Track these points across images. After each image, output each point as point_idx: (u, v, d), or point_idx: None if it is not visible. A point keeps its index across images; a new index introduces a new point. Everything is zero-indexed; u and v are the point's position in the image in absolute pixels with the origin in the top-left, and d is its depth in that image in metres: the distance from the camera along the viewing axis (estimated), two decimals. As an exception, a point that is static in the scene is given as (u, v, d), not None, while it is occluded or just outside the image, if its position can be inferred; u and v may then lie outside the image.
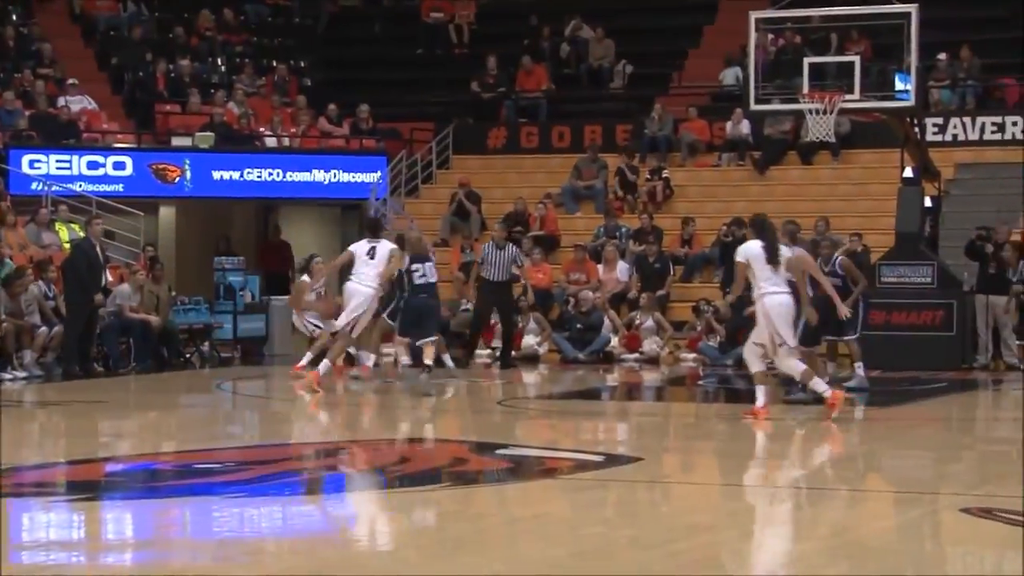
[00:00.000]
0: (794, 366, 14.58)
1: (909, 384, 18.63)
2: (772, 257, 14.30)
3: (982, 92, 26.36)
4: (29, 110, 25.01)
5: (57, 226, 21.53)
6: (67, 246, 21.11)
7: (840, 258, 17.45)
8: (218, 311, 22.16)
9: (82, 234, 20.39)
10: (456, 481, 12.04)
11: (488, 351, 22.19)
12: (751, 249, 14.46)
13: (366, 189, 25.49)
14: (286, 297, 23.79)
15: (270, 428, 16.07)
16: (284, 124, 26.51)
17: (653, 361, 21.49)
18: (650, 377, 20.26)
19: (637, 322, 22.16)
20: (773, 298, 14.39)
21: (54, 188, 23.17)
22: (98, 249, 19.28)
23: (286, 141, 26.24)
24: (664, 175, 25.75)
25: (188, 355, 21.31)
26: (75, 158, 24.32)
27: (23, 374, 18.63)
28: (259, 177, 25.24)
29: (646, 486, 11.93)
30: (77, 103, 25.59)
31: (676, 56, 29.11)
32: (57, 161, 24.18)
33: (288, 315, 23.16)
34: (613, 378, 20.59)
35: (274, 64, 28.44)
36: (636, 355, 21.80)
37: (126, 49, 27.61)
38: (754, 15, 20.75)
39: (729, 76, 27.37)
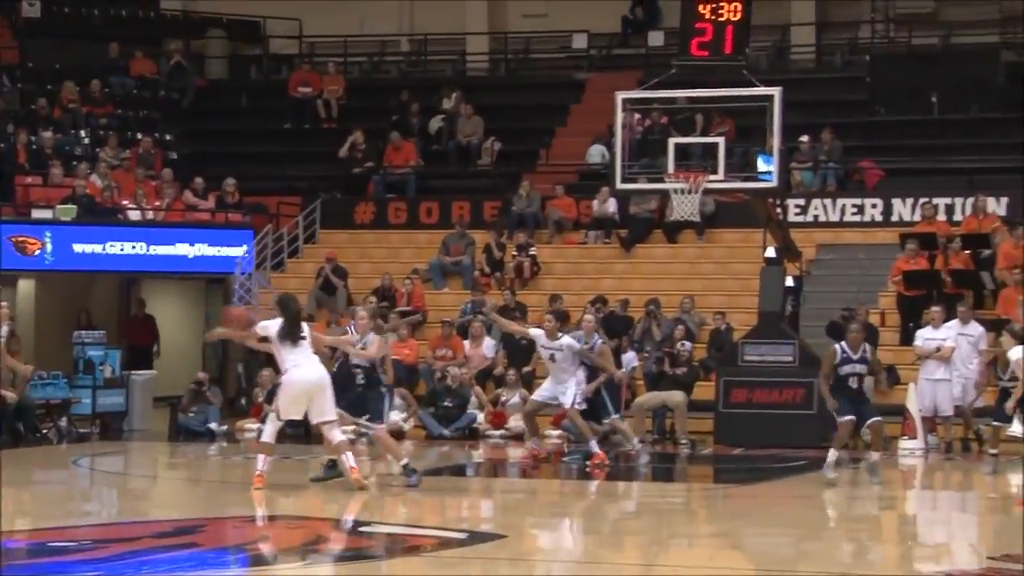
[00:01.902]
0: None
1: (769, 462, 18.86)
2: (291, 334, 15.06)
3: (843, 174, 26.92)
4: None
5: None
6: None
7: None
8: (77, 385, 21.81)
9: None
10: (318, 559, 11.97)
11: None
12: (270, 327, 15.26)
13: (231, 263, 25.41)
14: (148, 372, 23.68)
15: (128, 505, 15.86)
16: (148, 197, 26.32)
17: (518, 437, 21.50)
18: (515, 454, 20.27)
19: (503, 399, 22.20)
20: (297, 372, 15.13)
21: None
22: None
23: (150, 214, 26.07)
24: (531, 252, 25.93)
25: (45, 430, 20.99)
26: None
27: None
28: (122, 250, 25.02)
29: (508, 563, 11.96)
30: None
31: (544, 134, 29.38)
32: None
33: (150, 391, 23.04)
34: (479, 454, 20.61)
35: (139, 137, 28.29)
36: (502, 431, 21.81)
37: (-14, 120, 27.40)
38: (620, 95, 21.04)
39: (595, 154, 27.70)
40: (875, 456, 16.31)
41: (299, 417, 15.71)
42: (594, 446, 18.24)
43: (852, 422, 16.10)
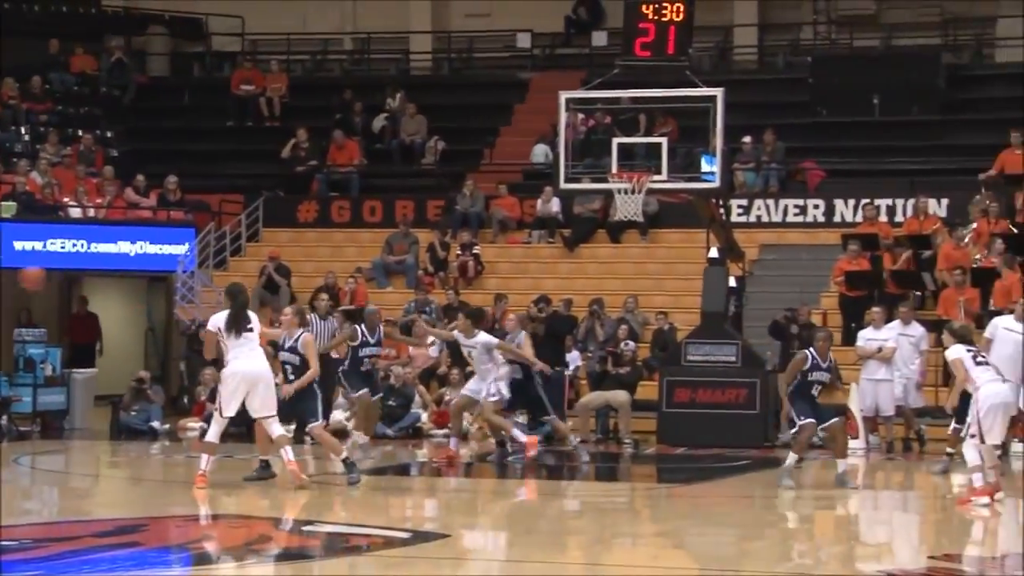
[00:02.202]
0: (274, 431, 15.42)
1: (712, 461, 18.93)
2: (236, 325, 15.21)
3: (785, 175, 27.06)
4: None
5: None
6: None
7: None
8: (17, 383, 21.71)
9: None
10: (260, 558, 11.92)
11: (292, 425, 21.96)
12: (218, 319, 15.42)
13: (174, 261, 25.31)
14: (90, 370, 23.52)
15: (69, 504, 15.75)
16: (89, 195, 26.12)
17: (463, 438, 21.46)
18: (471, 453, 20.24)
19: (447, 398, 22.14)
20: (237, 363, 15.29)
21: None
22: None
23: (91, 212, 25.86)
24: (475, 251, 25.93)
25: (-15, 429, 20.86)
26: None
27: None
28: (63, 248, 24.83)
29: (452, 563, 11.95)
30: None
31: (487, 133, 29.38)
32: None
33: (91, 389, 22.87)
34: (422, 454, 20.56)
35: (80, 134, 28.05)
36: (445, 431, 21.71)
37: (-76, 118, 27.18)
38: (564, 95, 21.06)
39: (539, 153, 27.72)
40: (843, 465, 16.24)
41: (234, 412, 15.50)
42: (518, 434, 18.32)
43: (814, 425, 16.11)
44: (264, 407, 15.40)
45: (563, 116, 20.94)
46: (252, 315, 15.56)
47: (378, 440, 21.34)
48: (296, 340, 16.18)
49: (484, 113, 30.05)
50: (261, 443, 16.05)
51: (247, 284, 24.99)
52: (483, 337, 18.15)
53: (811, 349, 16.22)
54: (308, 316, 20.18)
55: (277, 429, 15.59)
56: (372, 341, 20.18)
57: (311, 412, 16.11)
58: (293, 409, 16.18)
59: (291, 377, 16.13)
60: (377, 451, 20.52)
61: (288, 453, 15.43)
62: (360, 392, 20.06)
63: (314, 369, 16.08)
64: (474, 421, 21.53)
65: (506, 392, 18.27)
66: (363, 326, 20.26)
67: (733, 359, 20.81)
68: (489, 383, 18.11)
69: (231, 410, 15.45)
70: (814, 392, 16.19)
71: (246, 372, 15.27)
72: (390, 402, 22.04)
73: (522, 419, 20.12)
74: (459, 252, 25.95)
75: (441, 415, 22.01)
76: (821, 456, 18.07)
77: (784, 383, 16.27)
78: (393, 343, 23.15)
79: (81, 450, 21.01)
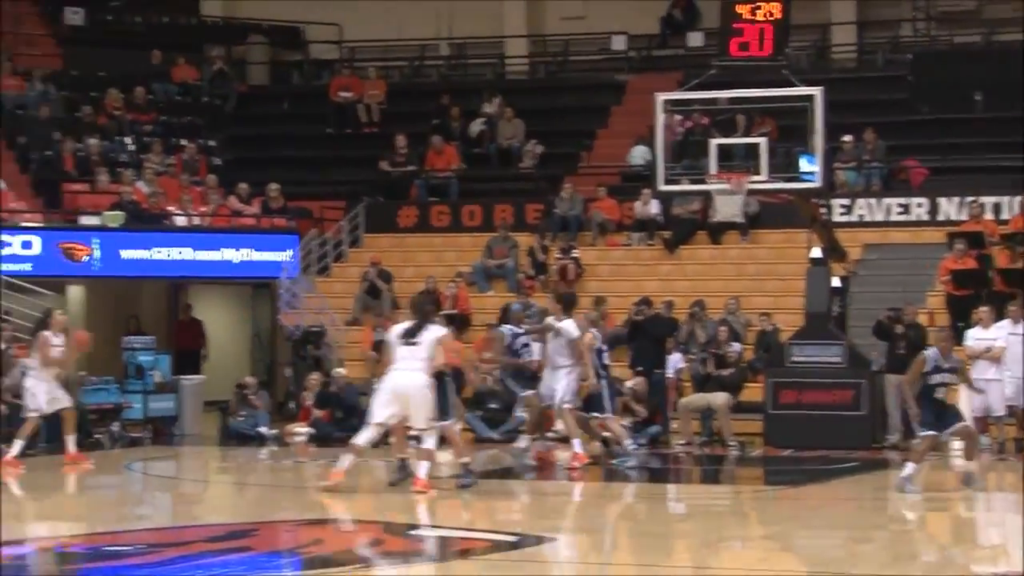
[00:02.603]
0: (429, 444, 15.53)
1: (819, 463, 18.80)
2: (407, 334, 15.33)
3: (887, 174, 26.80)
4: None
5: None
6: None
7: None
8: (128, 391, 21.99)
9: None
10: (370, 562, 12.00)
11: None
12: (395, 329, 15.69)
13: (277, 268, 25.50)
14: (198, 376, 23.80)
15: (181, 509, 15.94)
16: (194, 203, 26.42)
17: (566, 440, 21.42)
18: (563, 456, 20.22)
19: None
20: (394, 375, 15.37)
21: None
22: None
23: (196, 220, 26.19)
24: (574, 254, 25.90)
25: (97, 435, 20.99)
26: None
27: None
28: (168, 256, 25.10)
29: (558, 566, 11.96)
30: None
31: (585, 136, 29.35)
32: None
33: (199, 395, 23.11)
34: (529, 456, 20.47)
35: (183, 143, 28.37)
36: (550, 434, 21.73)
37: (33, 129, 27.43)
38: (660, 96, 21.01)
39: (637, 155, 27.65)
40: (971, 466, 16.02)
41: (393, 422, 15.56)
42: (577, 445, 17.84)
43: (934, 438, 15.77)
44: (420, 419, 15.48)
45: (660, 118, 20.89)
46: (430, 329, 15.42)
47: (482, 443, 21.40)
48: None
49: (581, 116, 30.02)
50: (398, 445, 16.15)
51: (349, 289, 25.55)
52: (569, 324, 17.58)
53: (933, 350, 15.81)
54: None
55: (430, 443, 15.61)
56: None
57: (443, 411, 16.06)
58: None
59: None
60: (481, 455, 20.59)
61: (423, 469, 15.46)
62: (527, 393, 19.46)
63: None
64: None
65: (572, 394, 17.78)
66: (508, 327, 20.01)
67: (838, 360, 20.64)
68: (563, 384, 17.65)
69: (380, 417, 15.48)
70: (939, 395, 15.79)
71: (397, 386, 15.37)
72: (492, 405, 22.02)
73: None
74: (558, 255, 25.93)
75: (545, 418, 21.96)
76: (932, 457, 17.86)
77: (907, 385, 15.97)
78: (488, 346, 23.17)
79: (191, 456, 21.23)
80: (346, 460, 15.54)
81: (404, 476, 16.02)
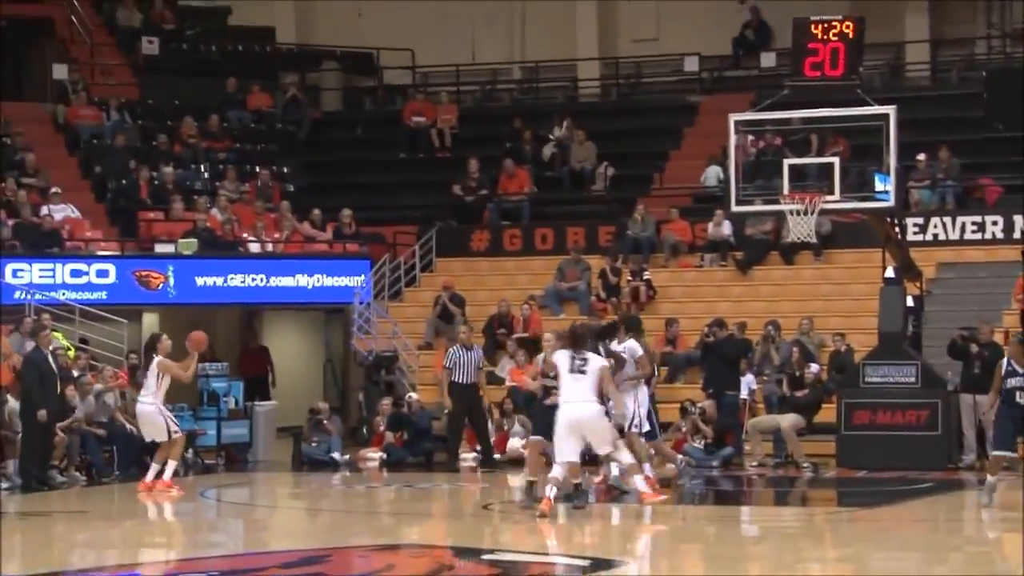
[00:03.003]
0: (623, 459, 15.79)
1: (894, 484, 18.64)
2: (571, 364, 15.33)
3: (961, 192, 26.60)
4: (12, 219, 24.97)
5: (60, 336, 21.17)
6: (70, 353, 20.99)
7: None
8: (202, 417, 22.09)
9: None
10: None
11: (473, 454, 22.18)
12: (559, 359, 15.54)
13: (350, 293, 25.59)
14: (269, 403, 23.92)
15: (255, 536, 16.03)
16: (267, 229, 26.58)
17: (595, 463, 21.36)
18: (635, 479, 20.16)
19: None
20: (565, 408, 15.39)
21: (37, 297, 23.15)
22: (50, 360, 19.03)
23: (269, 246, 26.34)
24: (646, 276, 25.88)
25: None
26: (58, 266, 24.25)
27: (6, 485, 18.53)
28: (243, 283, 25.21)
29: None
30: (60, 212, 25.53)
31: (657, 158, 29.33)
32: (40, 270, 24.11)
33: (272, 421, 23.25)
34: (598, 480, 20.44)
35: (257, 170, 28.59)
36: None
37: (109, 157, 27.65)
38: (733, 117, 20.97)
39: (710, 176, 27.58)
40: None
41: (574, 456, 15.50)
42: (646, 471, 17.07)
43: (1000, 458, 15.82)
44: (602, 443, 15.56)
45: (733, 138, 20.85)
46: (593, 359, 15.41)
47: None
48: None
49: (653, 137, 29.98)
50: (531, 466, 16.46)
51: (422, 314, 25.63)
52: (632, 344, 17.29)
53: (1008, 357, 15.97)
54: (450, 349, 20.66)
55: (626, 458, 15.82)
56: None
57: (546, 433, 16.23)
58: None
59: None
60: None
61: (639, 483, 15.72)
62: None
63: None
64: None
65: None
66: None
67: (913, 380, 20.48)
68: (632, 409, 17.19)
69: (566, 455, 15.39)
70: (1019, 399, 15.82)
71: (571, 420, 15.30)
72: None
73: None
74: (631, 277, 25.91)
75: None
76: (1008, 477, 17.68)
77: (990, 400, 15.97)
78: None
79: (264, 482, 21.30)
80: (551, 490, 15.43)
81: (531, 501, 16.08)
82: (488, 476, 20.90)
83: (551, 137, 29.58)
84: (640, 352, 17.41)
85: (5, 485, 18.57)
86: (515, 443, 22.25)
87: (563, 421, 15.33)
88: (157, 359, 18.09)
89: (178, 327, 26.18)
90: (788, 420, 20.83)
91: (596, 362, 15.39)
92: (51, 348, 19.34)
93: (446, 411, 22.61)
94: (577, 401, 15.23)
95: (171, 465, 18.16)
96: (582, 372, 15.22)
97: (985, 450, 20.05)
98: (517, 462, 21.80)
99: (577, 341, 15.47)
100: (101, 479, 19.86)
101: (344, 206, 27.34)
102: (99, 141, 28.22)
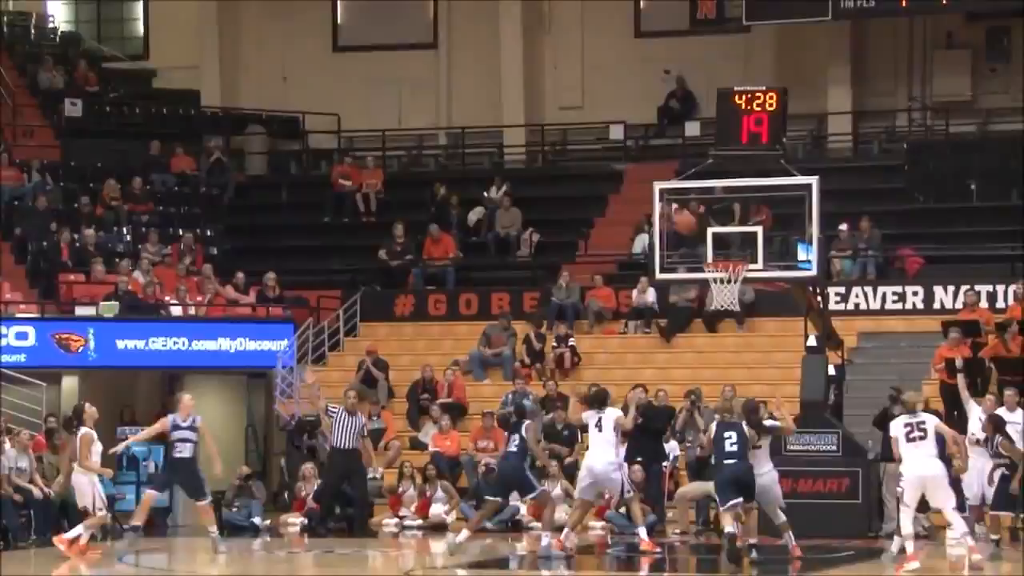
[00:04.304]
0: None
1: (815, 552, 18.75)
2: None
3: (883, 262, 26.96)
4: None
5: None
6: None
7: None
8: (121, 481, 21.97)
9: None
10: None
11: (395, 520, 22.15)
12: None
13: (273, 357, 25.56)
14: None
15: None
16: (190, 292, 26.49)
17: (560, 530, 21.40)
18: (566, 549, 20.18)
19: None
20: (588, 457, 18.59)
21: None
22: None
23: (192, 310, 26.27)
24: (571, 343, 26.01)
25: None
26: None
27: None
28: (164, 346, 25.12)
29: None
30: None
31: (582, 224, 29.48)
32: None
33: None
34: (522, 547, 20.54)
35: (180, 233, 28.54)
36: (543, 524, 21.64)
37: (30, 219, 27.53)
38: (658, 186, 21.18)
39: (639, 245, 27.70)
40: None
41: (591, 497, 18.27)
42: (642, 532, 18.40)
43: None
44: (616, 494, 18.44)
45: (657, 207, 21.05)
46: (608, 413, 18.16)
47: (478, 533, 21.32)
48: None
49: (579, 204, 30.12)
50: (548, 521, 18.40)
51: (345, 378, 25.55)
52: (612, 411, 18.50)
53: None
54: (332, 410, 21.61)
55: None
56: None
57: (200, 490, 18.66)
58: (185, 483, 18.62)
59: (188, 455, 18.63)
60: (477, 544, 20.56)
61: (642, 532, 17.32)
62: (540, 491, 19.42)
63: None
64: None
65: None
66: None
67: (834, 448, 20.70)
68: (625, 473, 18.65)
69: (589, 495, 18.27)
70: None
71: (593, 469, 18.00)
72: (487, 495, 22.00)
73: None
74: (555, 344, 26.03)
75: (537, 508, 21.95)
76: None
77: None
78: (484, 435, 23.25)
79: (185, 547, 21.13)
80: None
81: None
82: (412, 542, 20.84)
83: (485, 197, 29.63)
84: (620, 415, 18.74)
85: None
86: (437, 508, 22.31)
87: (586, 470, 18.17)
88: (82, 431, 18.02)
89: (99, 390, 26.14)
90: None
91: (611, 416, 18.14)
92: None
93: (370, 475, 22.65)
94: (598, 453, 18.03)
95: (86, 532, 18.07)
96: (601, 428, 17.90)
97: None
98: (440, 528, 21.91)
99: (595, 402, 18.24)
100: (17, 543, 19.60)
101: (268, 269, 27.30)
102: (20, 203, 28.09)
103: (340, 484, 21.77)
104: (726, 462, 17.20)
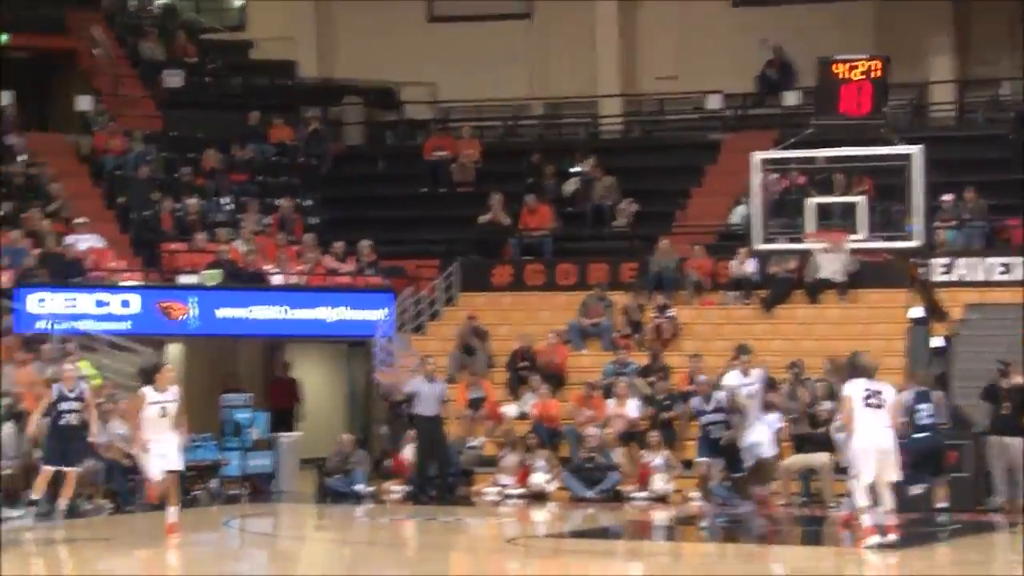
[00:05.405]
0: None
1: (921, 525, 18.53)
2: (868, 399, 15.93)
3: (989, 233, 26.54)
4: (37, 249, 24.98)
5: (81, 364, 21.11)
6: (96, 382, 20.92)
7: None
8: (225, 448, 22.16)
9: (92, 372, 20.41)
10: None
11: (496, 488, 22.17)
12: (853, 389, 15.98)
13: (372, 326, 25.61)
14: (294, 434, 23.96)
15: (279, 566, 16.02)
16: (290, 262, 26.65)
17: (662, 500, 21.43)
18: (659, 516, 20.14)
19: (645, 460, 22.09)
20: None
21: (61, 326, 23.17)
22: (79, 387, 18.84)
23: (292, 278, 26.33)
24: (670, 313, 25.86)
25: (195, 492, 21.31)
26: (82, 296, 24.24)
27: (27, 512, 18.43)
28: (265, 315, 25.11)
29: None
30: (85, 242, 25.58)
31: (679, 195, 29.29)
32: (64, 300, 24.03)
33: (296, 453, 23.25)
34: (625, 518, 20.48)
35: (279, 202, 28.71)
36: (646, 493, 21.70)
37: (133, 188, 27.80)
38: (757, 155, 20.96)
39: (737, 215, 27.40)
40: None
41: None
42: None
43: None
44: (893, 473, 15.87)
45: (756, 177, 20.85)
46: (887, 390, 15.99)
47: (578, 503, 21.38)
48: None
49: (676, 175, 29.83)
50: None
51: (444, 348, 25.60)
52: (760, 371, 18.18)
53: None
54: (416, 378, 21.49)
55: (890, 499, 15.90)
56: None
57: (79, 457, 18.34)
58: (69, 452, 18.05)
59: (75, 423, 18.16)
60: (578, 514, 20.49)
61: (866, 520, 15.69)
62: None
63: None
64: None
65: None
66: None
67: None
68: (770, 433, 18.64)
69: (867, 478, 15.73)
70: None
71: (879, 446, 15.70)
72: (588, 464, 22.03)
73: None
74: (654, 314, 25.89)
75: (641, 477, 21.96)
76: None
77: None
78: (584, 404, 23.20)
79: (289, 513, 21.34)
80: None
81: None
82: (513, 510, 20.84)
83: (572, 171, 29.53)
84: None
85: (25, 513, 18.44)
86: (538, 478, 22.24)
87: (870, 447, 15.67)
88: (141, 391, 17.73)
89: (201, 358, 26.53)
90: (822, 458, 20.75)
91: (889, 393, 15.94)
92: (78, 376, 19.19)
93: (469, 444, 22.76)
94: (879, 428, 15.67)
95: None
96: (879, 405, 15.71)
97: (1015, 493, 19.99)
98: (540, 497, 21.92)
99: (854, 371, 16.05)
100: (126, 507, 19.81)
101: (365, 239, 27.30)
102: (123, 172, 28.29)
103: (428, 451, 21.84)
104: (918, 435, 16.59)
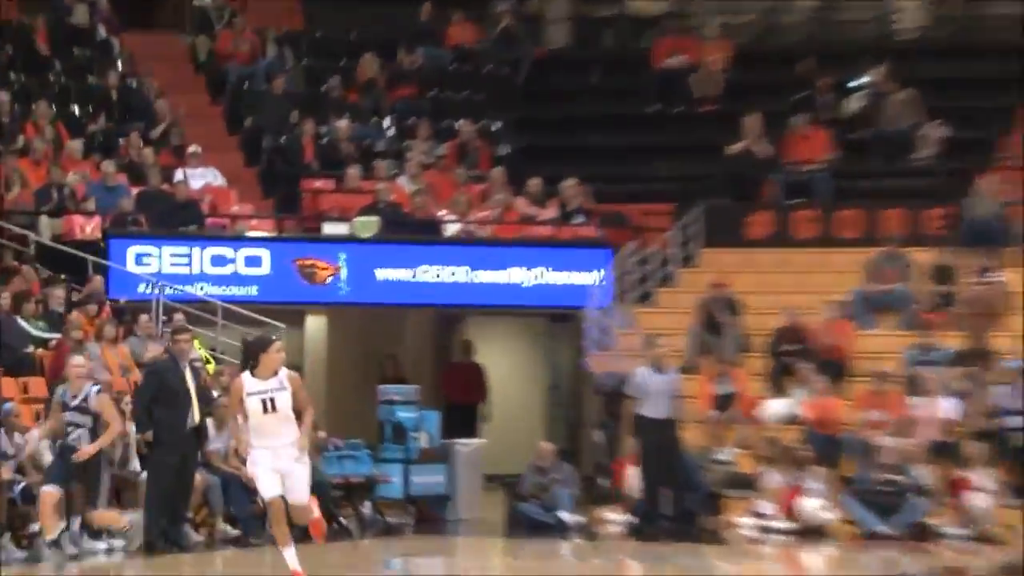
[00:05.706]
0: None
1: None
2: None
3: None
4: (137, 187, 25.36)
5: (196, 343, 21.08)
6: (209, 367, 21.16)
7: None
8: (384, 459, 22.27)
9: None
10: None
11: (753, 520, 21.73)
12: None
13: (583, 293, 25.40)
14: (476, 441, 24.11)
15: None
16: (472, 206, 26.75)
17: (990, 540, 20.64)
18: (991, 564, 19.31)
19: (964, 481, 21.40)
20: None
21: (167, 291, 23.36)
22: (187, 374, 18.84)
23: (474, 229, 26.47)
24: (994, 277, 25.04)
25: (344, 519, 21.14)
26: (196, 251, 24.61)
27: (115, 543, 18.40)
28: (438, 277, 25.55)
29: None
30: (200, 178, 25.99)
31: (1005, 116, 28.61)
32: (172, 255, 24.47)
33: (478, 466, 23.21)
34: (935, 563, 19.75)
35: (458, 126, 28.80)
36: (966, 530, 20.99)
37: (264, 107, 28.19)
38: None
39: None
40: None
41: None
42: None
43: None
44: None
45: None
46: None
47: (870, 540, 20.95)
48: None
49: (1000, 90, 29.24)
50: None
51: (680, 324, 25.05)
52: None
53: None
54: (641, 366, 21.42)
55: None
56: None
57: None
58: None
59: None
60: (870, 557, 19.97)
61: None
62: None
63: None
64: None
65: None
66: None
67: None
68: None
69: None
70: None
71: None
72: (882, 487, 21.61)
73: None
74: (972, 279, 25.07)
75: (956, 505, 21.38)
76: None
77: None
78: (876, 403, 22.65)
79: (468, 550, 21.37)
80: None
81: None
82: (778, 551, 20.36)
83: (856, 84, 29.03)
84: None
85: (120, 543, 18.41)
86: (811, 504, 21.74)
87: None
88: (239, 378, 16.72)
89: (352, 336, 26.56)
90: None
91: None
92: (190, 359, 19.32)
93: (715, 457, 22.62)
94: None
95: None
96: None
97: None
98: (815, 531, 21.45)
99: None
100: (248, 537, 19.67)
101: (572, 176, 27.31)
102: (251, 85, 28.79)
103: (657, 467, 21.64)
104: None
